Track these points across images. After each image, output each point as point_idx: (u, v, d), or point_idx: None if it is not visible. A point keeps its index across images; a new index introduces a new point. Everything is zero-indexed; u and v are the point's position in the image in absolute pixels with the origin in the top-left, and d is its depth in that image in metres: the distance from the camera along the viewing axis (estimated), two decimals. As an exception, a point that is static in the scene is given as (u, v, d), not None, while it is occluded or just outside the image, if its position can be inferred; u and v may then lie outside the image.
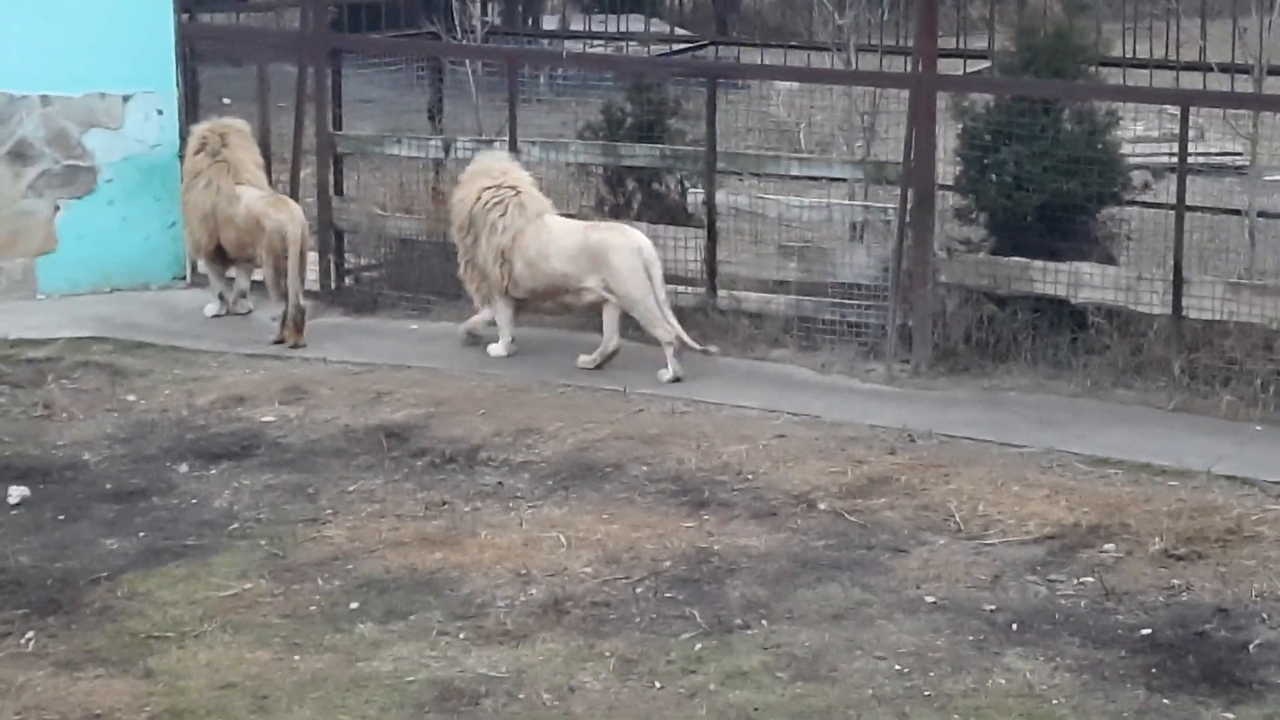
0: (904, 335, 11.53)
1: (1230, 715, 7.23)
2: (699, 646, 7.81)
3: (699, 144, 12.47)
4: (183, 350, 12.01)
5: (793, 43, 17.56)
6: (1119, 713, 7.24)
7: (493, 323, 11.94)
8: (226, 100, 16.05)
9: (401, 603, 8.25)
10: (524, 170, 12.02)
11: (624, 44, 17.92)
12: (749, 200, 12.63)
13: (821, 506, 9.24)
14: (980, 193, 11.69)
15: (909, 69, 11.89)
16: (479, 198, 11.74)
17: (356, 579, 8.51)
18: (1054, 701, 7.31)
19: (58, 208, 13.35)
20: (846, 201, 12.57)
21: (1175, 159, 11.23)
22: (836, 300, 11.85)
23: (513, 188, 11.74)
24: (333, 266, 13.40)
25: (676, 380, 11.20)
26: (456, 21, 15.09)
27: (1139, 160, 12.45)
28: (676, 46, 18.37)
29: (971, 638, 7.84)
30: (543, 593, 8.31)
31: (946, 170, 11.92)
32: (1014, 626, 7.94)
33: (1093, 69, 11.99)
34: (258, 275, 12.63)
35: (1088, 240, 11.57)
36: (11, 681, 7.55)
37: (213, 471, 9.91)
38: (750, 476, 9.61)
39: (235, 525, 9.19)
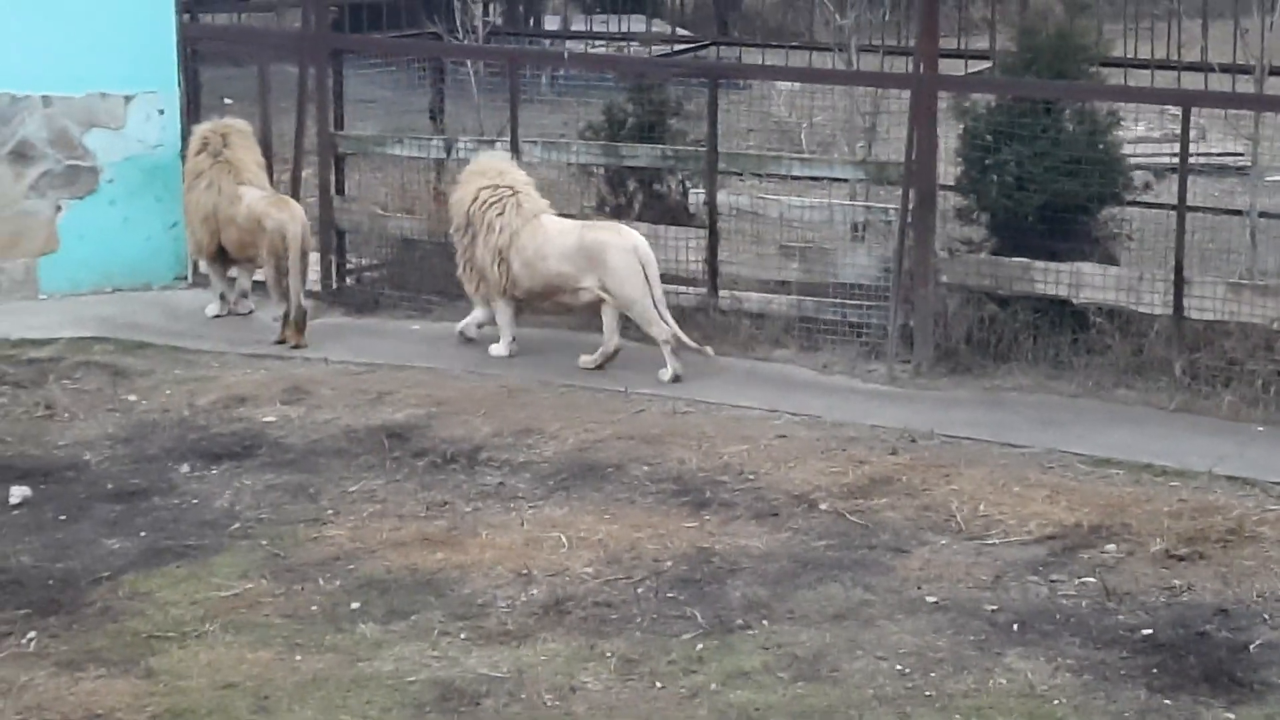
0: (905, 335, 11.53)
1: (1231, 715, 7.23)
2: (700, 647, 7.81)
3: (700, 144, 12.47)
4: (184, 350, 12.02)
5: (794, 43, 17.60)
6: (1120, 713, 7.24)
7: (484, 324, 11.97)
8: (228, 100, 16.06)
9: (403, 603, 8.25)
10: (522, 170, 12.03)
11: (625, 44, 17.94)
12: (750, 200, 12.63)
13: (823, 507, 9.24)
14: (981, 193, 11.69)
15: (910, 69, 11.89)
16: (477, 197, 11.75)
17: (358, 579, 8.52)
18: (1055, 702, 7.31)
19: (59, 208, 13.35)
20: (848, 202, 12.57)
21: (1176, 159, 11.22)
22: (838, 300, 11.86)
23: (510, 188, 11.75)
24: (334, 267, 13.40)
25: (676, 379, 11.20)
26: (458, 22, 15.11)
27: (1140, 160, 12.45)
28: (678, 47, 18.38)
29: (973, 638, 7.84)
30: (544, 593, 8.31)
31: (948, 170, 11.92)
32: (1015, 627, 7.94)
33: (1094, 69, 11.99)
34: (259, 275, 12.64)
35: (1089, 241, 11.57)
36: (13, 681, 7.55)
37: (214, 472, 9.91)
38: (751, 476, 9.61)
39: (236, 525, 9.19)
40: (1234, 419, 10.49)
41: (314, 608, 8.24)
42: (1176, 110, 12.32)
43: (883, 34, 15.12)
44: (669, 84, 13.12)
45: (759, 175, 13.41)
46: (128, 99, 13.46)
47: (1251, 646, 7.72)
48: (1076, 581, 8.36)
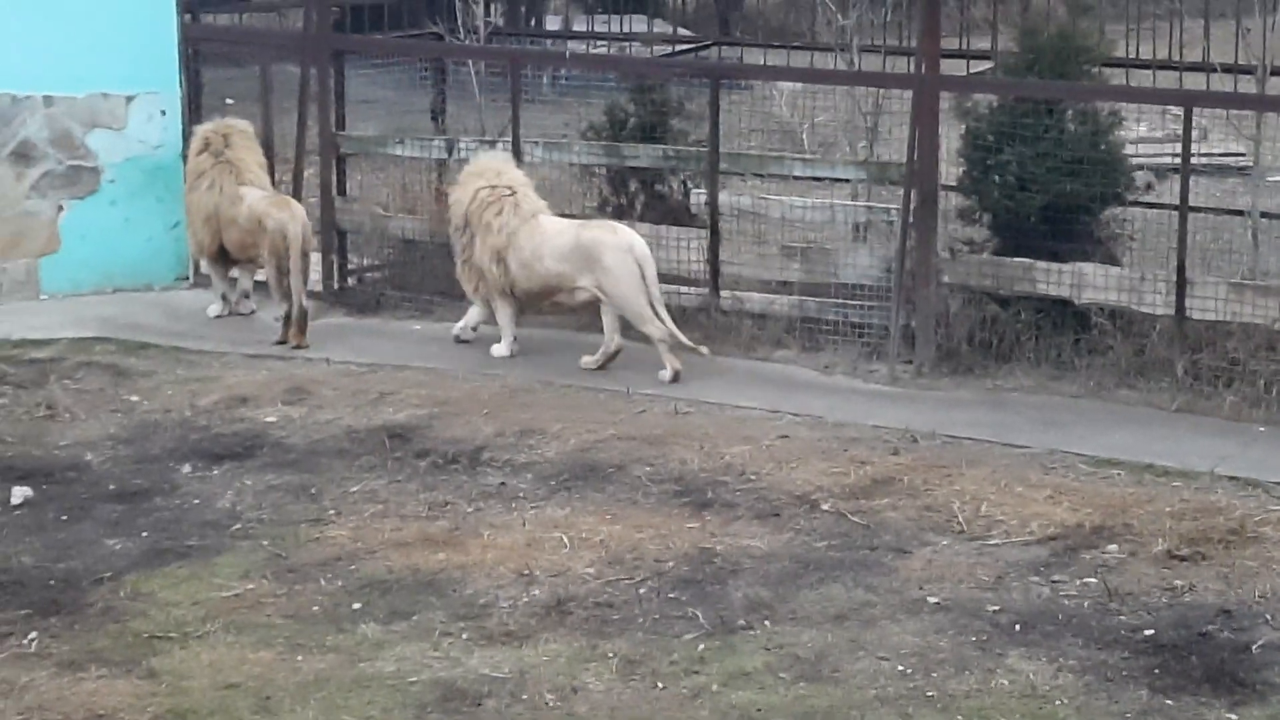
0: (907, 336, 11.53)
1: (1233, 716, 7.23)
2: (702, 647, 7.80)
3: (702, 144, 12.47)
4: (185, 351, 12.02)
5: (796, 43, 17.59)
6: (1122, 713, 7.24)
7: (479, 325, 11.98)
8: (229, 101, 16.05)
9: (404, 603, 8.25)
10: (521, 170, 12.03)
11: (627, 44, 17.94)
12: (752, 201, 12.62)
13: (824, 507, 9.24)
14: (983, 193, 11.69)
15: (912, 69, 11.89)
16: (475, 198, 11.76)
17: (359, 579, 8.51)
18: (1057, 702, 7.31)
19: (61, 208, 13.35)
20: (849, 202, 12.56)
21: (1178, 160, 11.22)
22: (839, 301, 11.85)
23: (509, 188, 11.75)
24: (335, 267, 13.40)
25: (675, 378, 11.19)
26: (459, 22, 15.10)
27: (1142, 161, 12.44)
28: (679, 47, 18.37)
29: (974, 638, 7.83)
30: (545, 593, 8.31)
31: (950, 171, 11.91)
32: (1017, 627, 7.94)
33: (1096, 70, 11.98)
34: (260, 276, 12.64)
35: (1091, 241, 11.57)
36: (14, 682, 7.55)
37: (215, 472, 9.91)
38: (753, 477, 9.61)
39: (238, 526, 9.19)
40: (1236, 419, 10.49)
41: (316, 608, 8.24)
42: (1178, 111, 12.31)
43: (884, 34, 15.11)
44: (670, 84, 13.12)
45: (761, 175, 13.40)
46: (129, 99, 13.46)
47: (1254, 647, 7.72)
48: (1078, 582, 8.35)
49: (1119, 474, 9.63)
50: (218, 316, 12.81)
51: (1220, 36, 15.17)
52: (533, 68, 14.46)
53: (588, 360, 11.51)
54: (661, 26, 20.10)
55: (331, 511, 9.33)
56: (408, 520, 9.18)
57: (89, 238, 13.33)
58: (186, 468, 9.97)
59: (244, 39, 15.90)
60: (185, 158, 13.07)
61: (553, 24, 21.71)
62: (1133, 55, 15.21)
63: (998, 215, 11.67)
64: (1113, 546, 8.70)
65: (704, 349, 11.37)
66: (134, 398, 11.09)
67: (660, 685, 7.49)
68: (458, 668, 7.65)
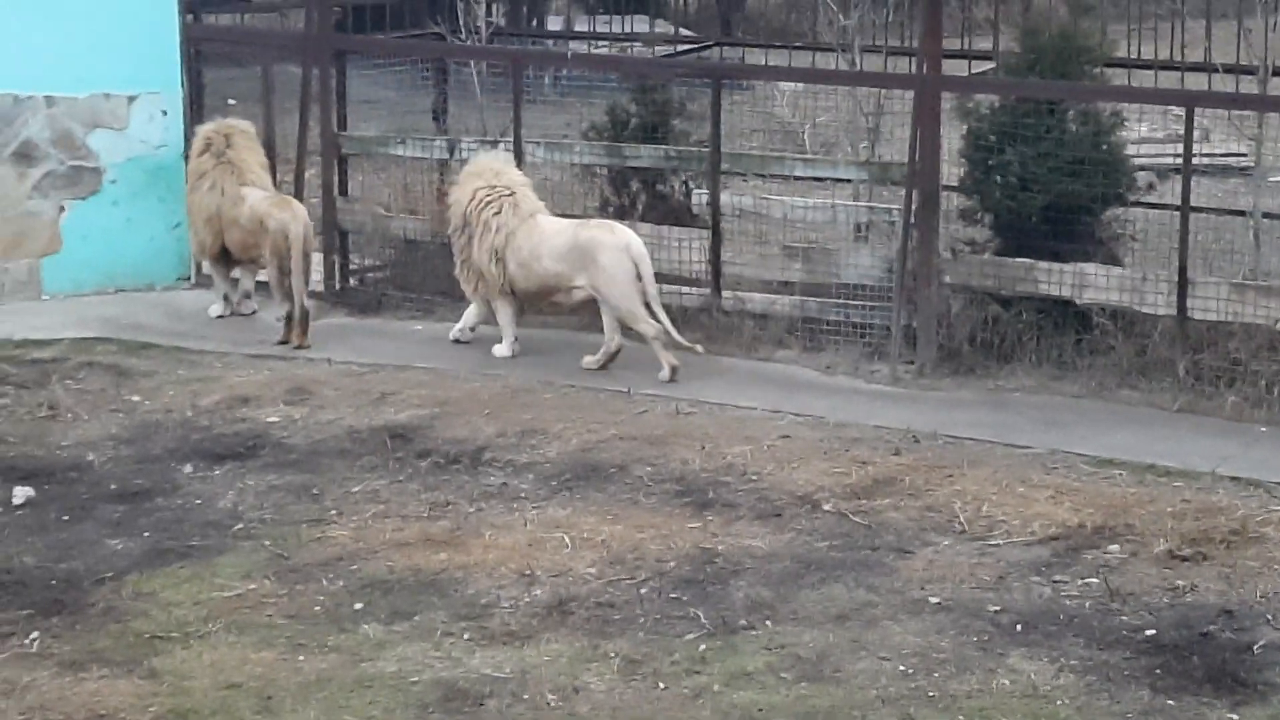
0: (908, 336, 11.53)
1: (1235, 716, 7.22)
2: (703, 647, 7.80)
3: (703, 145, 12.47)
4: (187, 351, 12.02)
5: (797, 44, 17.60)
6: (1123, 714, 7.24)
7: (476, 326, 11.98)
8: (231, 101, 16.05)
9: (406, 603, 8.25)
10: (520, 171, 12.04)
11: (628, 45, 17.93)
12: (753, 201, 12.62)
13: (826, 507, 9.24)
14: (985, 194, 11.69)
15: (914, 70, 11.89)
16: (474, 198, 11.77)
17: (361, 579, 8.51)
18: (1058, 702, 7.31)
19: (62, 208, 13.35)
20: (851, 202, 12.56)
21: (1180, 160, 11.22)
22: (841, 301, 11.85)
23: (507, 188, 11.76)
24: (337, 267, 13.40)
25: (673, 374, 11.17)
26: (461, 22, 15.10)
27: (1144, 161, 12.44)
28: (681, 47, 18.38)
29: (976, 639, 7.83)
30: (547, 593, 8.31)
31: (951, 171, 11.91)
32: (1018, 627, 7.94)
33: (1097, 70, 11.98)
34: (262, 276, 12.64)
35: (1092, 241, 11.57)
36: (16, 682, 7.55)
37: (217, 472, 9.91)
38: (754, 477, 9.61)
39: (240, 526, 9.19)
40: (1238, 419, 10.49)
41: (317, 608, 8.24)
42: (1180, 111, 12.32)
43: (886, 34, 15.11)
44: (672, 85, 13.11)
45: (762, 176, 13.40)
46: (131, 99, 13.46)
47: (1255, 647, 7.72)
48: (1080, 582, 8.35)
49: (1121, 474, 9.63)
50: (219, 317, 12.81)
51: (1222, 37, 15.17)
52: (534, 68, 14.49)
53: (589, 360, 11.51)
54: (663, 27, 20.11)
55: (333, 511, 9.33)
56: (409, 520, 9.18)
57: (91, 238, 13.33)
58: (188, 468, 9.98)
59: (245, 39, 15.90)
60: (187, 158, 13.07)
61: (554, 24, 21.71)
62: (1134, 55, 15.22)
63: (999, 215, 11.67)
64: (1114, 547, 8.70)
65: (699, 347, 11.37)
66: (136, 398, 11.09)
67: (662, 685, 7.49)
68: (459, 668, 7.65)
